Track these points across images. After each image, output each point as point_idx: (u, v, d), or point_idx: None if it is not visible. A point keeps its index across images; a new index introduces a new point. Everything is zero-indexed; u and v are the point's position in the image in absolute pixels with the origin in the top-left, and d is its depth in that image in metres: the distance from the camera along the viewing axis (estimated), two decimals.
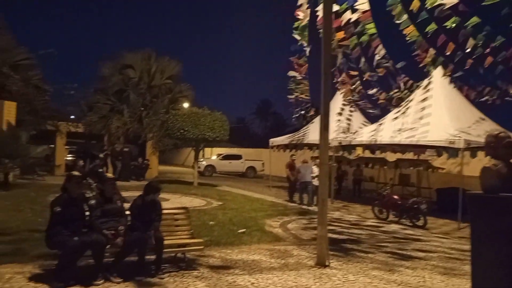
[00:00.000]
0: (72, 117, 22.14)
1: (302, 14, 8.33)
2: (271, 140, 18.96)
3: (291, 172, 13.95)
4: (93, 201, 5.08)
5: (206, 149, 28.54)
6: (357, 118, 16.83)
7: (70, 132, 20.53)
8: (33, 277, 4.63)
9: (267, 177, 24.27)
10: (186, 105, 21.87)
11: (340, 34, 8.02)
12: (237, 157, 27.23)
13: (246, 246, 6.88)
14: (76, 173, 5.29)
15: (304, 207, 12.56)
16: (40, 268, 4.91)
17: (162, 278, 4.90)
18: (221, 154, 27.61)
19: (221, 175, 25.58)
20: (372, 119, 16.33)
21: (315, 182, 11.63)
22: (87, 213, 4.92)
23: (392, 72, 10.70)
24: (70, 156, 21.43)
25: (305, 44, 8.88)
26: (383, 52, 9.28)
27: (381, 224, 10.14)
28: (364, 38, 8.39)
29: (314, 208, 11.75)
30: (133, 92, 21.26)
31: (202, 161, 25.64)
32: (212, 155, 28.68)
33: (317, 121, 13.28)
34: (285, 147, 18.09)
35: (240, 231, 7.92)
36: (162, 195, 11.38)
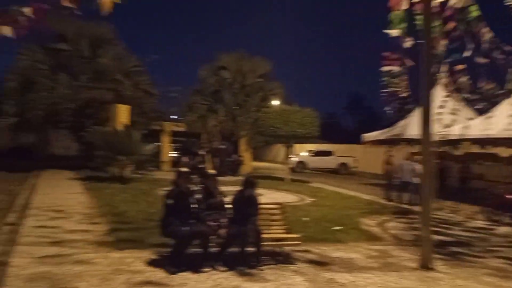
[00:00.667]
0: (175, 117, 24.14)
1: (399, 4, 7.89)
2: (364, 135, 18.30)
3: (388, 169, 13.33)
4: (198, 195, 5.52)
5: (296, 145, 28.72)
6: (462, 110, 15.35)
7: (173, 131, 22.47)
8: (150, 262, 5.20)
9: (360, 174, 23.54)
10: (276, 102, 22.26)
11: (451, 25, 7.38)
12: (328, 153, 26.83)
13: (342, 244, 6.81)
14: (184, 169, 5.79)
15: (403, 206, 11.93)
16: (156, 254, 5.49)
17: (262, 270, 5.12)
18: (311, 150, 27.47)
19: (312, 171, 25.48)
20: (478, 111, 14.79)
21: (416, 180, 10.95)
22: (194, 205, 5.39)
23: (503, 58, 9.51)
24: (175, 153, 23.45)
25: (401, 36, 8.39)
26: (489, 35, 8.30)
27: (492, 227, 9.18)
28: (469, 22, 7.61)
29: (414, 208, 11.09)
30: (227, 92, 22.33)
31: (293, 157, 25.84)
32: (302, 151, 28.64)
33: (416, 114, 12.43)
34: (381, 142, 17.30)
35: (335, 228, 7.86)
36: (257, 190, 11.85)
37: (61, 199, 9.83)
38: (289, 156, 20.10)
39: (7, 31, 11.02)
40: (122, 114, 16.44)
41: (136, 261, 5.22)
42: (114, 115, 16.70)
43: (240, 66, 22.98)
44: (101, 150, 13.97)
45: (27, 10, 4.57)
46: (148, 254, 5.49)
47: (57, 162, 23.28)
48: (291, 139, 17.63)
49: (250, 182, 5.66)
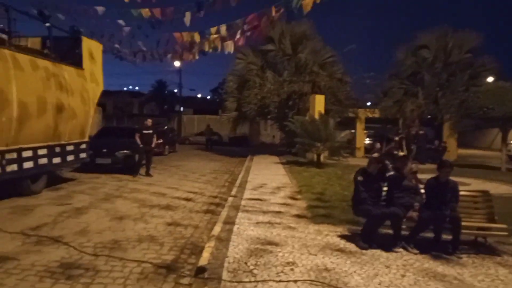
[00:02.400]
0: (368, 103, 23.96)
1: None
2: None
3: None
4: (391, 178, 5.65)
5: None
6: None
7: (368, 118, 22.42)
8: (343, 236, 5.68)
9: None
10: (490, 79, 19.22)
11: None
12: None
13: None
14: (375, 155, 6.01)
15: None
16: (348, 231, 5.94)
17: (460, 258, 4.89)
18: None
19: None
20: None
21: None
22: (385, 189, 5.57)
23: None
24: (368, 140, 23.43)
25: None
26: None
27: None
28: None
29: None
30: (428, 72, 20.64)
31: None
32: None
33: None
34: None
35: None
36: (463, 179, 10.82)
37: (268, 179, 11.44)
38: (507, 142, 17.15)
39: (229, 47, 13.44)
40: (319, 103, 17.52)
41: (330, 233, 5.81)
42: (311, 105, 17.99)
43: (444, 43, 20.78)
44: (300, 137, 15.39)
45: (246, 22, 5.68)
46: (342, 230, 5.99)
47: (265, 149, 26.71)
48: (508, 122, 15.05)
49: (445, 162, 5.42)
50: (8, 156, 7.51)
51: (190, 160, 18.87)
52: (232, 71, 21.46)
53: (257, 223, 6.27)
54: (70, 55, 10.28)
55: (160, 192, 9.65)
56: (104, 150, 12.57)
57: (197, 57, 13.48)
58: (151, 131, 12.53)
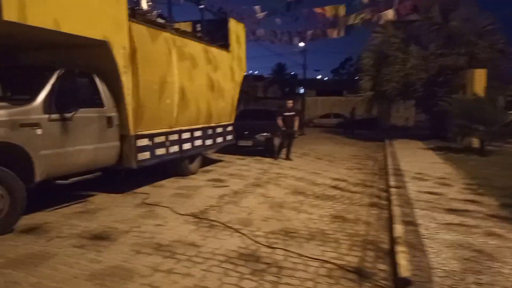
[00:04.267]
0: None
1: None
2: None
3: None
4: None
5: None
6: None
7: None
8: None
9: None
10: None
11: None
12: None
13: None
14: None
15: None
16: None
17: None
18: None
19: None
20: None
21: None
22: None
23: None
24: None
25: None
26: None
27: None
28: None
29: None
30: None
31: None
32: None
33: None
34: None
35: None
36: None
37: (426, 168, 9.98)
38: None
39: (390, 15, 12.08)
40: (479, 79, 14.87)
41: None
42: (469, 81, 15.39)
43: None
44: (459, 119, 13.22)
45: None
46: None
47: (399, 132, 24.45)
48: None
49: None
50: (170, 137, 7.78)
51: (322, 144, 18.17)
52: (368, 47, 19.80)
53: (447, 224, 5.17)
54: (218, 37, 10.31)
55: (306, 178, 9.13)
56: (246, 133, 12.61)
57: (342, 33, 12.41)
58: (293, 113, 12.10)
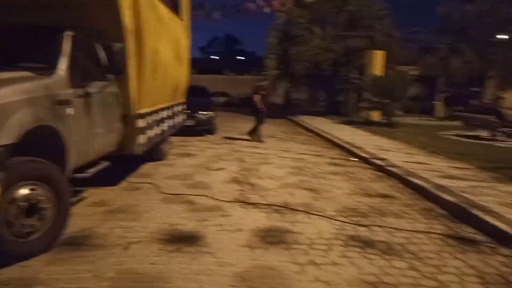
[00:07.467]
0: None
1: None
2: None
3: None
4: None
5: None
6: None
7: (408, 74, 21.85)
8: None
9: None
10: None
11: None
12: None
13: None
14: None
15: None
16: None
17: None
18: None
19: None
20: None
21: None
22: None
23: None
24: None
25: None
26: None
27: None
28: None
29: None
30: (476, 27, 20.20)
31: None
32: None
33: None
34: None
35: None
36: None
37: (367, 140, 10.91)
38: None
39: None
40: (378, 59, 16.84)
41: None
42: (369, 61, 17.22)
43: None
44: (370, 95, 14.81)
45: None
46: None
47: (291, 110, 25.64)
48: None
49: None
50: (161, 116, 6.79)
51: (235, 121, 17.36)
52: (273, 26, 20.29)
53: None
54: (168, 4, 9.13)
55: (279, 155, 9.12)
56: (188, 111, 11.67)
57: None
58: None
